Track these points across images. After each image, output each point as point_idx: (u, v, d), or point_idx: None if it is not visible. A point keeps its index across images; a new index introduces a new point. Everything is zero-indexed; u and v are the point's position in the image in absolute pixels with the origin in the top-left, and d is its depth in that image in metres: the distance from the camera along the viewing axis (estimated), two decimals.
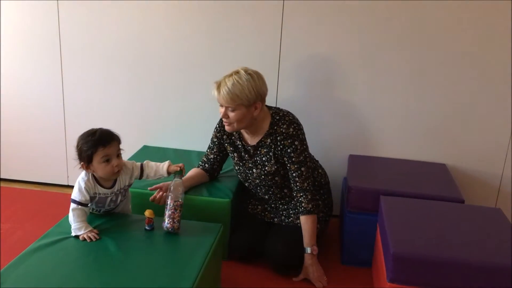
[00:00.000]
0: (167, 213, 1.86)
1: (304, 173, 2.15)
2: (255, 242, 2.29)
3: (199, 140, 2.74)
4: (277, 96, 2.72)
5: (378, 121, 2.70)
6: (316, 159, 2.49)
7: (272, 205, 2.36)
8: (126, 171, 1.94)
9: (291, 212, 2.31)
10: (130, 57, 2.82)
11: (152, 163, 2.00)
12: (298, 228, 2.25)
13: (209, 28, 2.68)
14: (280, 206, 2.34)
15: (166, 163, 1.98)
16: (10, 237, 2.47)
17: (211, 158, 2.36)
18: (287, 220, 2.31)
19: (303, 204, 2.16)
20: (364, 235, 2.30)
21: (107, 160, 1.82)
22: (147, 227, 1.89)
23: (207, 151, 2.38)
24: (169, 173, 1.97)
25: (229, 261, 2.31)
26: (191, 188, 2.28)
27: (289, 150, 2.14)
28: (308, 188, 2.16)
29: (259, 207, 2.40)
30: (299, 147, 2.14)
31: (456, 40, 2.51)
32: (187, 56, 2.75)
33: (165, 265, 1.69)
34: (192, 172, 2.34)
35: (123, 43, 2.80)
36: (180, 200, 1.88)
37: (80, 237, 1.81)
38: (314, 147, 2.69)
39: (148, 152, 2.79)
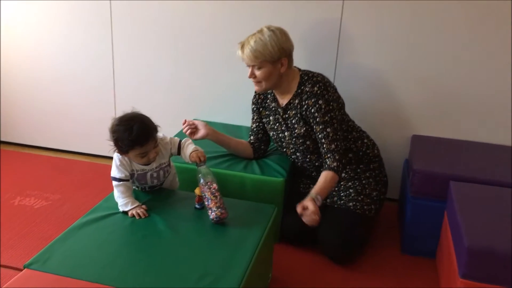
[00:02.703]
0: (209, 204, 1.71)
1: (330, 135, 2.01)
2: (307, 225, 2.15)
3: (249, 115, 2.60)
4: (336, 62, 2.54)
5: (445, 99, 2.47)
6: (373, 137, 2.31)
7: None
8: (163, 148, 1.84)
9: (342, 194, 2.16)
10: (178, 29, 2.70)
11: (187, 144, 1.86)
12: (354, 213, 2.10)
13: None
14: None
15: (191, 149, 1.82)
16: (59, 208, 2.44)
17: (254, 128, 2.28)
18: (339, 202, 2.16)
19: (327, 162, 2.00)
20: (428, 223, 2.12)
21: (144, 154, 1.74)
22: (197, 206, 1.79)
23: (251, 123, 2.31)
24: (191, 161, 1.82)
25: (280, 244, 2.19)
26: (243, 167, 2.17)
27: (312, 110, 2.02)
28: (336, 149, 2.01)
29: (311, 186, 2.24)
30: (323, 107, 2.00)
31: None
32: (237, 27, 2.60)
33: (215, 248, 1.58)
34: (237, 139, 2.29)
35: (172, 15, 2.68)
36: (214, 185, 1.74)
37: (129, 213, 1.74)
38: (373, 123, 2.53)
39: None
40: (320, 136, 2.03)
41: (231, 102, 2.77)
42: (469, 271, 1.59)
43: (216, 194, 1.72)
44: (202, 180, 1.73)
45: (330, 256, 2.10)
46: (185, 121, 2.15)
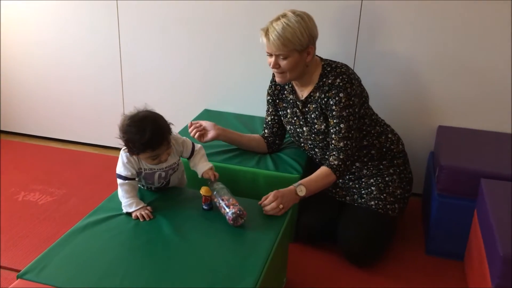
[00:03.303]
0: (223, 205, 1.59)
1: (343, 131, 1.84)
2: (325, 223, 2.02)
3: (263, 105, 2.45)
4: (356, 49, 2.37)
5: (473, 87, 2.28)
6: (395, 128, 2.15)
7: (341, 180, 2.06)
8: (175, 148, 1.72)
9: (363, 192, 2.01)
10: (189, 14, 2.55)
11: (200, 156, 1.77)
12: (375, 213, 1.95)
13: None
14: (350, 183, 2.05)
15: (206, 167, 1.74)
16: (65, 204, 2.35)
17: (269, 121, 2.12)
18: (360, 200, 2.01)
19: (330, 159, 1.87)
20: (456, 223, 1.96)
21: (155, 157, 1.63)
22: (204, 207, 1.66)
23: (265, 115, 2.15)
24: (202, 176, 1.75)
25: (295, 244, 2.06)
26: (256, 163, 2.04)
27: (331, 102, 1.85)
28: (344, 149, 1.85)
29: None
30: (343, 100, 1.83)
31: None
32: (250, 15, 2.44)
33: (225, 254, 1.46)
34: (248, 134, 2.16)
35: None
36: (222, 186, 1.65)
37: (133, 215, 1.62)
38: (395, 113, 2.37)
39: (209, 117, 2.54)
40: (332, 130, 1.87)
41: (244, 91, 2.63)
42: (503, 281, 1.44)
43: (228, 195, 1.61)
44: (213, 188, 1.64)
45: (350, 258, 1.96)
46: (191, 123, 2.01)
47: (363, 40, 2.35)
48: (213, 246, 1.50)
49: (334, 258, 2.00)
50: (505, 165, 1.94)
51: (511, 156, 2.02)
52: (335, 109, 1.85)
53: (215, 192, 1.63)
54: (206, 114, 2.60)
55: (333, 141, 1.87)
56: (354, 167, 2.02)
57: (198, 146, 1.79)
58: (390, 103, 2.39)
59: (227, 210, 1.56)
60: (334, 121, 1.86)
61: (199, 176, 1.75)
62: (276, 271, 1.62)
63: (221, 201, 1.60)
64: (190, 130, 2.00)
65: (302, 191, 1.77)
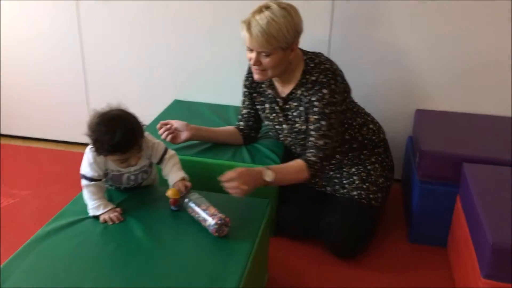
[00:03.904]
0: (203, 216, 1.45)
1: (323, 129, 1.74)
2: (306, 216, 1.94)
3: (238, 93, 2.35)
4: (331, 32, 2.28)
5: (451, 68, 2.23)
6: (371, 113, 2.07)
7: None
8: (146, 149, 1.59)
9: (344, 182, 1.93)
10: (154, 1, 2.41)
11: (171, 164, 1.62)
12: (358, 204, 1.88)
13: None
14: (331, 173, 1.97)
15: (177, 177, 1.59)
16: (27, 206, 2.19)
17: (244, 114, 2.01)
18: (342, 191, 1.93)
19: (307, 155, 1.75)
20: (438, 209, 1.91)
21: (124, 160, 1.51)
22: (173, 208, 1.55)
23: (240, 106, 2.04)
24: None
25: (275, 237, 1.97)
26: (232, 155, 1.94)
27: (313, 99, 1.74)
28: (323, 147, 1.74)
29: None
30: (326, 97, 1.73)
31: None
32: None
33: (203, 258, 1.37)
34: (223, 128, 2.04)
35: None
36: (197, 196, 1.52)
37: (101, 218, 1.50)
38: (371, 97, 2.29)
39: (180, 108, 2.43)
40: (312, 127, 1.76)
41: (217, 79, 2.51)
42: (493, 271, 1.39)
43: (210, 207, 1.47)
44: (187, 198, 1.51)
45: (333, 251, 1.89)
46: (161, 124, 1.87)
47: (338, 23, 2.26)
48: (190, 248, 1.41)
49: (316, 251, 1.93)
50: (487, 148, 1.90)
51: (493, 139, 1.99)
52: (318, 106, 1.74)
53: (190, 203, 1.50)
54: (177, 105, 2.48)
55: (312, 138, 1.76)
56: (334, 158, 1.94)
57: (171, 152, 1.65)
58: (366, 87, 2.32)
59: (208, 221, 1.44)
60: (315, 117, 1.75)
61: (168, 181, 1.63)
62: (258, 270, 1.53)
63: (199, 213, 1.47)
64: (160, 132, 1.86)
65: (269, 176, 1.64)
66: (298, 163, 1.75)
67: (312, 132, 1.76)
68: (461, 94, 2.26)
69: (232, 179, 1.55)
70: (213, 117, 2.28)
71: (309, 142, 1.77)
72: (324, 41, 2.29)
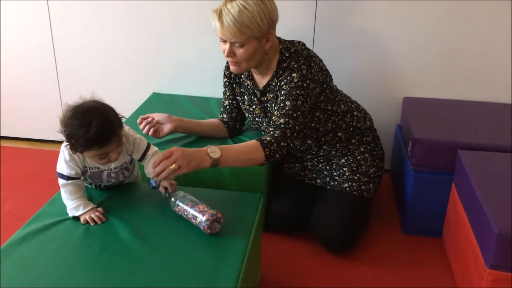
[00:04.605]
0: (192, 214, 1.36)
1: (287, 108, 1.62)
2: (297, 210, 1.86)
3: (219, 85, 2.25)
4: (315, 21, 2.20)
5: (437, 56, 2.18)
6: (358, 102, 2.01)
7: (310, 163, 1.91)
8: (125, 146, 1.47)
9: (334, 174, 1.86)
10: None
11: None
12: (350, 196, 1.81)
13: None
14: (320, 165, 1.90)
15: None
16: None
17: (227, 105, 1.93)
18: (332, 183, 1.86)
19: (266, 136, 1.62)
20: (433, 198, 1.86)
21: (103, 155, 1.39)
22: (152, 183, 1.46)
23: (222, 98, 1.95)
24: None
25: (266, 234, 1.89)
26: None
27: (282, 83, 1.67)
28: (283, 126, 1.61)
29: (297, 165, 1.94)
30: (295, 80, 1.64)
31: None
32: None
33: (195, 258, 1.26)
34: (207, 120, 1.95)
35: None
36: (183, 194, 1.42)
37: (81, 219, 1.39)
38: (357, 86, 2.24)
39: (159, 102, 2.32)
40: (276, 107, 1.67)
41: (197, 70, 2.40)
42: (499, 260, 1.34)
43: (199, 204, 1.37)
44: (177, 197, 1.41)
45: (325, 245, 1.82)
46: (141, 118, 1.76)
47: (322, 12, 2.19)
48: (180, 248, 1.30)
49: (308, 246, 1.86)
50: (480, 135, 1.85)
51: (484, 125, 1.95)
52: (285, 88, 1.65)
53: (178, 202, 1.40)
54: (156, 99, 2.36)
55: (273, 117, 1.65)
56: (322, 150, 1.87)
57: (154, 149, 1.53)
58: (352, 76, 2.26)
59: (199, 218, 1.34)
60: (281, 98, 1.66)
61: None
62: (252, 269, 1.45)
63: (188, 210, 1.37)
64: (141, 126, 1.75)
65: (215, 153, 1.46)
66: (251, 142, 1.60)
67: (275, 112, 1.66)
68: (448, 81, 2.22)
69: (162, 158, 1.38)
70: (195, 110, 2.17)
71: (271, 121, 1.66)
72: (309, 30, 2.21)
